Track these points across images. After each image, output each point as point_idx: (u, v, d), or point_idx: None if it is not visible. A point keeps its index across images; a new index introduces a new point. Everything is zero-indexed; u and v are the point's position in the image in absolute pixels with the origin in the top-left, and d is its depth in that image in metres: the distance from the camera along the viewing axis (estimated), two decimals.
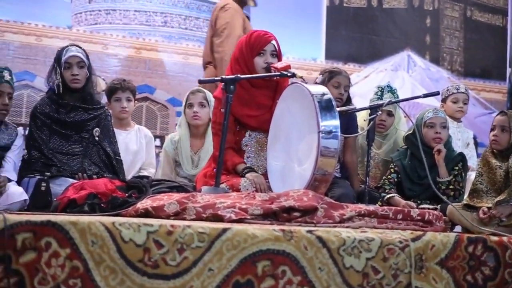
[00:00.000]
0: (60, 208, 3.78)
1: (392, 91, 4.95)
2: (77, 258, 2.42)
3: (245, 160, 4.17)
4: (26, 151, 4.42)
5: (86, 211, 3.64)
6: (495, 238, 3.17)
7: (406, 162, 4.71)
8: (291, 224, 3.11)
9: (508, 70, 8.79)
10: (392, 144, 5.05)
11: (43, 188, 4.00)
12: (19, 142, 4.35)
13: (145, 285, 2.50)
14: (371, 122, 4.07)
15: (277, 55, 4.18)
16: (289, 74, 3.97)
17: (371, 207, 3.49)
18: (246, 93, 4.12)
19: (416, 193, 4.65)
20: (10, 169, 4.22)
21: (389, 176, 4.73)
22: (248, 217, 3.18)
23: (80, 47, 4.60)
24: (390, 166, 4.78)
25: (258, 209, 3.22)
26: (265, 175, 4.05)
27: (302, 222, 3.19)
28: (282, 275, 2.72)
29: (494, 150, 4.12)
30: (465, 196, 4.25)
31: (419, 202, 4.56)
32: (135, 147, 5.19)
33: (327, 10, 8.15)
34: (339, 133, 3.53)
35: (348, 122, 4.49)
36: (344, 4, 8.34)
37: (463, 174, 4.64)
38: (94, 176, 4.32)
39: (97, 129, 4.53)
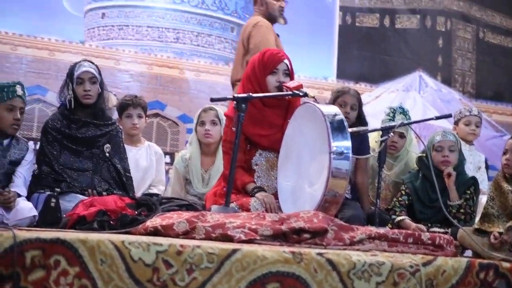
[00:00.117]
0: (69, 224, 3.77)
1: (404, 112, 4.93)
2: (85, 277, 2.41)
3: (255, 180, 4.15)
4: (36, 166, 4.42)
5: (95, 228, 3.63)
6: (507, 264, 3.14)
7: (417, 184, 4.68)
8: (301, 246, 3.09)
9: None
10: (403, 166, 5.02)
11: (52, 204, 3.98)
12: (30, 157, 4.35)
13: None
14: (383, 144, 4.05)
15: (290, 74, 4.17)
16: (301, 94, 3.96)
17: (382, 230, 3.46)
18: (257, 112, 4.11)
19: (426, 216, 4.62)
20: (20, 184, 4.21)
21: (399, 198, 4.70)
22: (258, 237, 3.16)
23: (92, 63, 4.61)
24: (401, 188, 4.76)
25: (268, 229, 3.20)
26: (275, 195, 4.03)
27: (312, 244, 3.17)
28: None
29: (506, 174, 4.09)
30: (476, 220, 4.21)
31: (429, 225, 4.53)
32: (145, 164, 5.18)
33: (339, 29, 8.17)
34: (350, 154, 3.51)
35: (360, 143, 4.47)
36: (357, 24, 8.35)
37: (474, 198, 4.61)
38: (104, 193, 4.31)
39: (108, 145, 4.53)
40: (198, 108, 5.27)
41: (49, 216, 3.98)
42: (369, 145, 4.73)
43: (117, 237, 2.61)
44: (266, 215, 3.39)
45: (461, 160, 4.75)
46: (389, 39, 8.47)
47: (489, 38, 9.03)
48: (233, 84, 5.78)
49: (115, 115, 5.15)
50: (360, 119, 4.75)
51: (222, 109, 5.02)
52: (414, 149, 5.10)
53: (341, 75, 8.15)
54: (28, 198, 4.23)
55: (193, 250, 2.58)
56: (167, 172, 5.63)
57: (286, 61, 4.16)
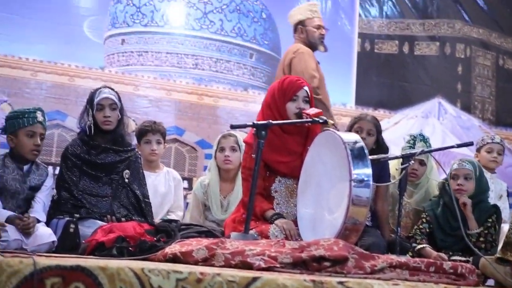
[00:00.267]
0: (88, 250, 3.77)
1: (424, 139, 4.91)
2: None
3: (274, 207, 4.13)
4: (55, 191, 4.43)
5: (114, 254, 3.63)
6: None
7: (438, 212, 4.65)
8: (321, 274, 3.07)
9: None
10: (423, 194, 4.99)
11: (71, 230, 4.00)
12: (50, 182, 4.37)
13: None
14: (403, 171, 4.02)
15: (309, 101, 4.16)
16: (321, 121, 3.95)
17: (403, 259, 3.42)
18: (277, 139, 4.10)
19: (448, 244, 4.58)
20: (40, 209, 4.22)
21: (420, 226, 4.67)
22: (278, 265, 3.14)
23: (112, 89, 4.63)
24: (422, 215, 4.72)
25: (288, 257, 3.18)
26: (294, 222, 4.01)
27: (333, 272, 3.14)
28: None
29: None
30: (499, 249, 4.16)
31: (450, 253, 4.48)
32: (164, 189, 5.18)
33: (358, 56, 8.18)
34: (371, 182, 3.49)
35: (380, 170, 4.45)
36: (375, 50, 8.36)
37: (496, 227, 4.56)
38: (123, 219, 4.31)
39: (127, 171, 4.53)
40: (216, 133, 5.27)
41: (68, 242, 4.00)
42: (389, 173, 4.70)
43: (137, 265, 2.60)
44: (286, 243, 3.36)
45: (483, 188, 4.70)
46: (408, 66, 8.47)
47: (509, 65, 9.00)
48: None
49: (134, 141, 5.16)
50: (380, 145, 4.73)
51: (241, 135, 5.02)
52: (434, 176, 5.07)
53: (359, 101, 8.14)
54: (47, 223, 4.24)
55: (213, 278, 2.56)
56: (185, 197, 5.62)
57: (306, 88, 4.16)
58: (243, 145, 4.69)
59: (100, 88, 4.62)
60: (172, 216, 5.04)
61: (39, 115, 4.31)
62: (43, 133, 4.33)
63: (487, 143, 5.57)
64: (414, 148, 4.75)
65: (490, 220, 4.57)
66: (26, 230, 3.96)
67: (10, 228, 3.90)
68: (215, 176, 5.06)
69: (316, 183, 3.85)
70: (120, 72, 7.26)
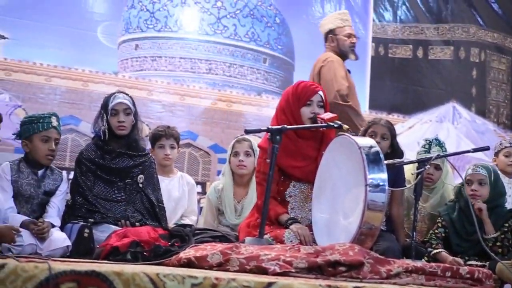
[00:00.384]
0: (103, 255, 3.77)
1: (440, 144, 4.88)
2: None
3: (288, 211, 4.12)
4: (70, 196, 4.44)
5: (128, 259, 3.63)
6: None
7: (454, 216, 4.63)
8: (336, 279, 3.05)
9: None
10: (439, 198, 4.96)
11: (86, 235, 4.01)
12: (64, 187, 4.37)
13: None
14: (419, 176, 4.00)
15: (324, 105, 4.15)
16: (335, 126, 3.93)
17: (419, 263, 3.41)
18: (291, 144, 4.09)
19: (463, 249, 4.56)
20: (54, 214, 4.23)
21: (436, 231, 4.64)
22: (293, 270, 3.13)
23: (127, 94, 4.64)
24: (438, 220, 4.70)
25: (303, 262, 3.17)
26: (309, 226, 4.00)
27: (348, 277, 3.13)
28: None
29: None
30: None
31: (466, 258, 4.46)
32: (178, 194, 5.17)
33: (372, 60, 8.15)
34: (386, 187, 3.47)
35: (396, 175, 4.41)
36: (389, 55, 8.34)
37: None
38: (137, 224, 4.31)
39: (141, 176, 4.53)
40: (229, 138, 5.26)
41: (82, 247, 4.00)
42: (404, 177, 4.68)
43: (152, 270, 2.59)
44: (301, 247, 3.35)
45: (499, 193, 4.67)
46: (422, 70, 8.43)
47: None
48: None
49: (147, 146, 5.16)
50: (394, 150, 4.70)
51: (255, 140, 5.01)
52: (450, 181, 5.04)
53: (373, 106, 8.11)
54: (62, 228, 4.24)
55: (228, 283, 2.55)
56: (198, 202, 5.61)
57: (320, 92, 4.15)
58: (257, 150, 4.68)
59: (114, 93, 4.63)
60: (186, 221, 5.03)
61: (54, 120, 4.32)
62: (57, 138, 4.34)
63: (505, 147, 5.55)
64: (429, 152, 4.72)
65: (506, 224, 4.55)
66: (41, 235, 3.96)
67: (24, 232, 3.91)
68: (229, 180, 5.05)
69: (331, 188, 3.83)
70: (134, 77, 7.27)
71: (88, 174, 4.45)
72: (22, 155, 4.38)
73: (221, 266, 3.21)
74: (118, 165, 4.50)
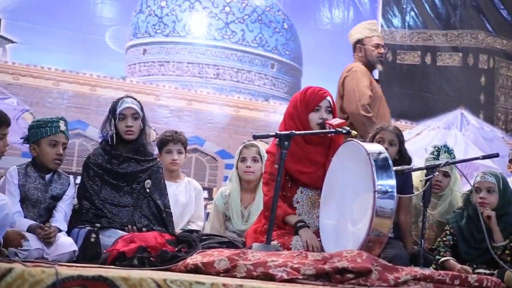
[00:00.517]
0: (109, 260, 3.76)
1: (449, 151, 4.86)
2: None
3: None
4: (77, 200, 4.43)
5: (135, 264, 3.62)
6: None
7: (462, 224, 4.60)
8: (344, 286, 3.05)
9: None
10: (447, 206, 4.94)
11: (92, 240, 4.00)
12: (71, 192, 4.36)
13: None
14: (428, 183, 3.98)
15: (332, 111, 4.14)
16: (344, 131, 3.92)
17: (427, 271, 3.39)
18: (299, 149, 4.08)
19: (472, 257, 4.53)
20: (61, 219, 4.22)
21: (444, 238, 4.62)
22: (300, 277, 3.12)
23: (135, 99, 4.63)
24: (446, 228, 4.67)
25: (311, 269, 3.16)
26: (316, 233, 3.98)
27: (356, 284, 3.12)
28: None
29: None
30: None
31: (475, 266, 4.42)
32: (185, 199, 5.16)
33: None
34: (395, 193, 3.45)
35: (404, 181, 4.40)
36: (397, 61, 8.32)
37: None
38: (144, 229, 4.30)
39: (148, 181, 4.53)
40: (236, 144, 5.25)
41: (89, 252, 3.99)
42: (412, 184, 4.66)
43: (159, 275, 2.58)
44: (309, 254, 3.34)
45: (508, 200, 4.64)
46: (430, 77, 8.40)
47: None
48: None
49: (155, 151, 5.15)
50: (402, 156, 4.69)
51: (263, 146, 5.00)
52: (458, 188, 5.02)
53: None
54: (68, 233, 4.23)
55: None
56: (205, 207, 5.60)
57: (329, 98, 4.14)
58: (265, 156, 4.68)
59: (122, 97, 4.63)
60: (193, 226, 5.02)
61: (62, 124, 4.31)
62: (65, 142, 4.33)
63: None
64: (438, 159, 4.70)
65: None
66: (47, 240, 3.95)
67: (31, 237, 3.91)
68: (236, 186, 5.04)
69: (339, 194, 3.82)
70: (141, 82, 7.27)
71: (95, 178, 4.45)
72: (30, 159, 4.38)
73: (228, 272, 3.20)
74: (125, 170, 4.50)
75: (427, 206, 4.03)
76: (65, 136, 4.33)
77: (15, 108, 6.50)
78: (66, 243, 4.01)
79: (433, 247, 4.66)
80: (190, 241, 3.99)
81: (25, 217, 4.13)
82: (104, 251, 3.95)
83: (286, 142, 3.74)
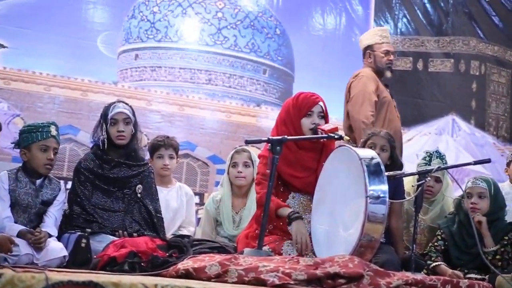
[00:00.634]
0: (100, 265, 3.75)
1: (440, 156, 4.87)
2: None
3: (287, 222, 4.09)
4: (67, 205, 4.41)
5: (126, 269, 3.60)
6: None
7: (454, 229, 4.61)
8: None
9: None
10: (438, 211, 4.94)
11: (83, 245, 3.98)
12: (62, 197, 4.35)
13: None
14: (420, 188, 3.98)
15: (324, 116, 4.14)
16: (336, 137, 3.92)
17: (419, 276, 3.40)
18: (292, 154, 4.07)
19: (463, 262, 4.54)
20: (51, 224, 4.21)
21: (435, 244, 4.62)
22: (292, 282, 3.12)
23: (127, 104, 4.62)
24: (437, 233, 4.68)
25: (302, 274, 3.15)
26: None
27: None
28: None
29: None
30: None
31: (466, 271, 4.43)
32: (176, 205, 5.15)
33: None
34: (387, 199, 3.45)
35: (395, 187, 4.39)
36: None
37: None
38: (135, 234, 4.28)
39: (140, 186, 4.51)
40: (228, 149, 5.24)
41: (79, 257, 3.97)
42: (403, 189, 4.66)
43: (150, 281, 2.57)
44: (300, 259, 3.34)
45: (499, 206, 4.65)
46: (422, 83, 8.41)
47: None
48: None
49: (146, 156, 5.13)
50: (394, 161, 4.69)
51: (255, 151, 4.99)
52: (450, 193, 5.03)
53: None
54: (59, 238, 4.22)
55: None
56: (196, 213, 5.59)
57: (321, 103, 4.14)
58: (256, 161, 4.67)
59: (114, 102, 4.62)
60: (184, 232, 5.01)
61: (53, 129, 4.30)
62: (56, 147, 4.32)
63: None
64: (430, 165, 4.71)
65: (506, 238, 4.53)
66: (38, 245, 3.93)
67: (21, 242, 3.89)
68: (227, 191, 5.03)
69: (331, 199, 3.81)
70: (133, 87, 7.25)
71: (86, 183, 4.43)
72: (20, 164, 4.36)
73: (220, 277, 3.19)
74: (116, 175, 4.48)
75: (419, 211, 4.03)
76: (56, 141, 4.31)
77: (6, 113, 6.48)
78: (56, 248, 3.99)
79: (425, 252, 4.67)
80: (181, 246, 3.97)
81: (15, 222, 4.12)
82: (95, 256, 3.93)
83: (278, 147, 3.74)
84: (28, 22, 6.75)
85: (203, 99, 7.46)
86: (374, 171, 3.49)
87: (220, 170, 7.00)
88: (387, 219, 4.43)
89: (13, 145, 4.36)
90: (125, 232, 4.29)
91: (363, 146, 4.64)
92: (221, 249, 4.10)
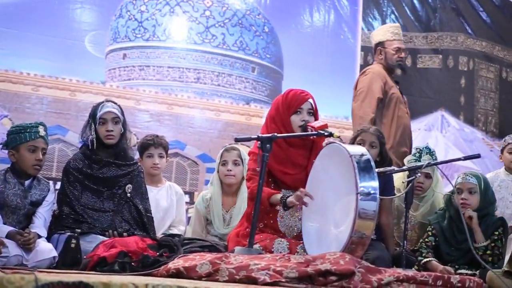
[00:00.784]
0: (90, 266, 3.73)
1: (430, 152, 4.86)
2: None
3: (278, 220, 4.09)
4: (57, 206, 4.39)
5: (116, 269, 3.59)
6: None
7: (444, 225, 4.62)
8: None
9: None
10: (429, 207, 4.94)
11: (73, 245, 3.95)
12: (51, 198, 4.33)
13: None
14: (410, 184, 3.98)
15: (314, 113, 4.13)
16: (326, 134, 3.91)
17: (410, 272, 3.40)
18: (282, 152, 4.06)
19: (454, 258, 4.55)
20: (41, 225, 4.18)
21: (426, 240, 4.63)
22: (283, 280, 3.12)
23: (115, 103, 4.60)
24: (428, 229, 4.68)
25: (293, 272, 3.15)
26: (299, 235, 3.97)
27: (339, 286, 3.13)
28: None
29: None
30: (505, 262, 4.12)
31: (457, 267, 4.44)
32: (166, 204, 5.14)
33: (360, 69, 8.11)
34: (378, 195, 3.45)
35: (385, 183, 4.40)
36: None
37: (503, 239, 4.52)
38: (125, 234, 4.26)
39: (129, 185, 4.49)
40: (217, 148, 5.23)
41: (69, 257, 3.95)
42: (393, 185, 4.67)
43: (141, 280, 2.56)
44: (291, 257, 3.33)
45: (489, 201, 4.66)
46: (410, 79, 8.40)
47: None
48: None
49: (135, 155, 5.12)
50: (383, 158, 4.70)
51: (244, 149, 4.98)
52: (440, 189, 5.03)
53: None
54: (48, 238, 4.19)
55: None
56: (186, 212, 5.57)
57: (310, 100, 4.13)
58: (246, 159, 4.67)
59: (103, 102, 4.59)
60: (174, 231, 5.00)
61: (41, 129, 4.27)
62: (45, 147, 4.29)
63: (509, 143, 5.56)
64: (420, 161, 4.71)
65: (496, 233, 4.54)
66: (27, 246, 3.91)
67: (10, 243, 3.86)
68: (217, 190, 5.02)
69: (321, 197, 3.80)
70: (121, 87, 7.22)
71: (75, 183, 4.41)
72: (9, 165, 4.33)
73: (211, 276, 3.18)
74: (106, 174, 4.46)
75: (409, 207, 4.04)
76: (45, 142, 4.28)
77: None
78: (45, 249, 3.97)
79: (415, 248, 4.67)
80: (171, 245, 3.95)
81: (4, 223, 4.09)
82: (85, 256, 3.91)
83: (268, 145, 3.73)
84: (15, 22, 6.71)
85: (192, 98, 7.44)
86: (364, 168, 3.48)
87: (210, 169, 6.98)
88: (378, 215, 4.47)
89: (1, 146, 4.33)
90: (115, 232, 4.27)
91: (353, 142, 4.64)
92: (212, 248, 4.09)
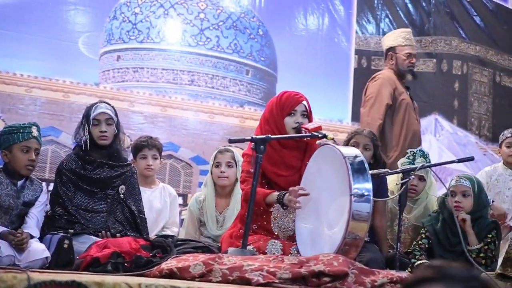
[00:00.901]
0: (83, 266, 3.72)
1: (424, 155, 4.86)
2: None
3: (271, 221, 4.09)
4: (49, 207, 4.38)
5: (109, 270, 3.58)
6: None
7: (438, 227, 4.61)
8: None
9: None
10: (422, 209, 4.94)
11: (65, 246, 3.94)
12: (44, 198, 4.31)
13: None
14: (404, 187, 3.98)
15: (308, 115, 4.13)
16: (320, 135, 3.91)
17: (403, 274, 3.39)
18: (275, 154, 4.06)
19: (447, 260, 4.53)
20: (33, 225, 4.17)
21: (419, 242, 4.63)
22: (276, 281, 3.11)
23: (109, 104, 4.59)
24: (421, 231, 4.68)
25: (287, 273, 3.15)
26: (292, 237, 3.97)
27: (332, 287, 3.10)
28: None
29: None
30: (498, 265, 4.12)
31: None
32: (159, 205, 5.13)
33: (354, 72, 8.15)
34: (371, 197, 3.45)
35: (378, 185, 4.40)
36: (372, 67, 8.32)
37: (496, 242, 4.52)
38: (118, 235, 4.25)
39: (122, 186, 4.48)
40: (211, 150, 5.22)
41: (62, 258, 3.94)
42: (387, 188, 4.66)
43: (133, 280, 2.55)
44: (285, 258, 3.33)
45: (482, 204, 4.66)
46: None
47: (506, 82, 8.99)
48: None
49: (129, 157, 5.11)
50: (377, 160, 4.70)
51: (238, 151, 4.98)
52: (433, 192, 5.03)
53: (356, 117, 8.05)
54: (41, 239, 4.18)
55: None
56: (180, 213, 5.56)
57: (304, 102, 4.13)
58: (240, 161, 4.67)
59: (96, 103, 4.58)
60: (167, 232, 4.99)
61: (34, 130, 4.26)
62: (38, 148, 4.28)
63: (507, 137, 5.59)
64: (413, 163, 4.71)
65: (490, 235, 4.54)
66: (20, 246, 3.90)
67: (2, 243, 3.86)
68: (211, 191, 5.01)
69: (315, 198, 3.80)
70: (115, 88, 7.21)
71: (68, 184, 4.40)
72: (1, 166, 4.32)
73: (204, 277, 3.18)
74: (99, 175, 4.45)
75: (403, 210, 4.03)
76: (38, 142, 4.27)
77: None
78: (38, 250, 3.95)
79: (409, 250, 4.66)
80: (165, 246, 3.95)
81: None
82: (78, 257, 3.90)
83: (262, 146, 3.73)
84: (8, 23, 6.69)
85: (186, 100, 7.43)
86: (358, 169, 3.49)
87: (203, 171, 6.97)
88: (371, 217, 4.47)
89: None
90: (108, 233, 4.26)
91: (346, 145, 4.64)
92: (205, 249, 4.09)
